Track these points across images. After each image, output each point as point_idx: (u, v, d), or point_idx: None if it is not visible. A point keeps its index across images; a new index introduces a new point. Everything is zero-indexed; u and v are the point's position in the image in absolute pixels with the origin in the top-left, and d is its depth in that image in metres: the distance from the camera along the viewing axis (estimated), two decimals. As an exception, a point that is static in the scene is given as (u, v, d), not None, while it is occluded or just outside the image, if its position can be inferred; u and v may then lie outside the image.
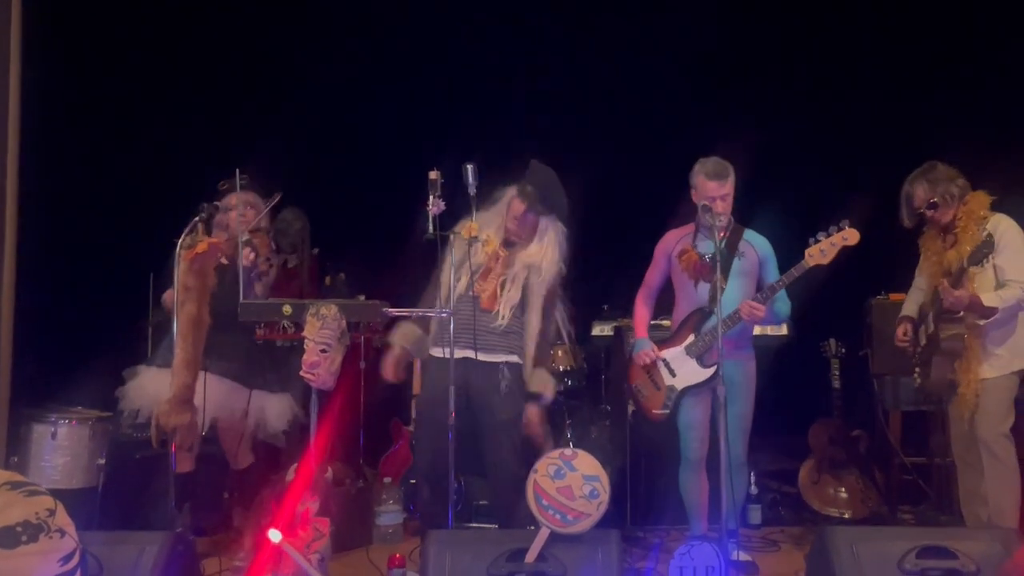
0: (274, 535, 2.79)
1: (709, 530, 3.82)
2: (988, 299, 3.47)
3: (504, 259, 3.60)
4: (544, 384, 3.61)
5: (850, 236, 3.51)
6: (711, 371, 3.62)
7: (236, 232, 3.71)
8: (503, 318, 3.55)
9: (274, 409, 3.87)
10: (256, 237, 3.79)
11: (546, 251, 3.62)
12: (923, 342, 3.80)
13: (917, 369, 3.85)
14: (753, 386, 3.77)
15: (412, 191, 3.56)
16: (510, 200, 3.64)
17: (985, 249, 3.40)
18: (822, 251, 3.51)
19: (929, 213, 3.70)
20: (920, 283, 3.93)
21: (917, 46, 5.67)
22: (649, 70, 5.93)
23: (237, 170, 3.56)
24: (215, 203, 3.68)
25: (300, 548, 2.87)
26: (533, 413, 3.59)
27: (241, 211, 3.76)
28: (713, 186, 3.69)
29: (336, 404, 3.90)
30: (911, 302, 3.96)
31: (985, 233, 3.47)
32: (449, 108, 5.60)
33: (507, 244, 3.63)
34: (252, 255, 3.70)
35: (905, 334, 3.88)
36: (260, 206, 3.83)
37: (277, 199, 3.90)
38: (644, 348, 3.83)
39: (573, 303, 5.79)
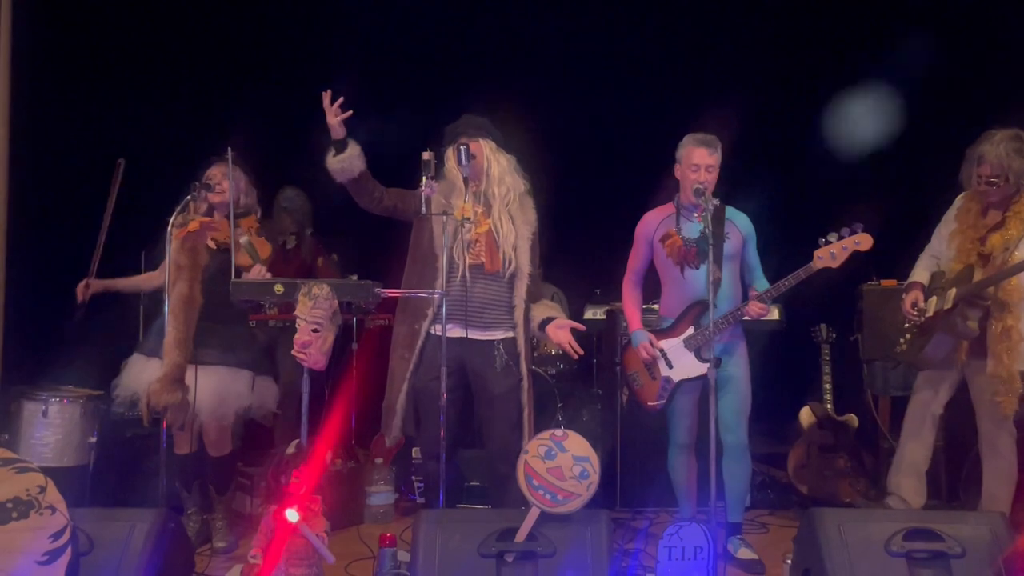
0: (292, 515, 2.78)
1: (698, 512, 3.83)
2: None
3: (482, 214, 3.52)
4: (552, 308, 3.60)
5: (863, 241, 3.37)
6: (708, 365, 3.47)
7: (221, 205, 3.70)
8: (511, 263, 3.51)
9: (270, 390, 3.87)
10: (256, 241, 3.75)
11: (493, 161, 3.55)
12: (929, 313, 3.60)
13: (907, 336, 3.68)
14: (748, 368, 3.72)
15: (405, 172, 3.55)
16: (448, 156, 3.56)
17: None
18: (832, 254, 3.38)
19: (984, 187, 3.44)
20: (937, 249, 3.72)
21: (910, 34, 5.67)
22: (643, 50, 5.91)
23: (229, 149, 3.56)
24: (201, 182, 3.67)
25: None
26: (555, 332, 3.51)
27: (218, 181, 3.73)
28: (702, 152, 3.57)
29: (351, 384, 3.86)
30: (922, 267, 3.75)
31: None
32: (440, 92, 5.59)
33: (477, 197, 3.54)
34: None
35: (914, 306, 3.64)
36: (240, 183, 3.79)
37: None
38: (643, 341, 3.72)
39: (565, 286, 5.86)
